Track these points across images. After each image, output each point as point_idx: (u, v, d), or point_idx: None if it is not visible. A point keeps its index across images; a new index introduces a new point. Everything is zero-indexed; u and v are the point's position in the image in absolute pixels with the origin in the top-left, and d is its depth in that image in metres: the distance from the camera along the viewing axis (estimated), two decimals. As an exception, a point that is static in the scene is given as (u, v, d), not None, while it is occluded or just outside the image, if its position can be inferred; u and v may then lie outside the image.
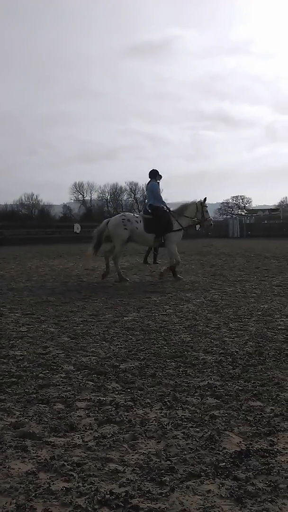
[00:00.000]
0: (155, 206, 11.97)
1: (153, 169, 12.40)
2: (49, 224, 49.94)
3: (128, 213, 12.41)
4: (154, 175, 12.40)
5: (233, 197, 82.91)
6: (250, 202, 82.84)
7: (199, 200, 12.35)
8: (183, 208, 12.38)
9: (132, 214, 12.08)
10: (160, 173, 12.37)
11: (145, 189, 12.34)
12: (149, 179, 12.47)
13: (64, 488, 2.53)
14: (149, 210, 12.01)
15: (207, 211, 12.55)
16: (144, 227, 11.56)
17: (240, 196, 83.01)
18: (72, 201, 76.21)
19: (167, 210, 12.10)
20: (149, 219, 11.72)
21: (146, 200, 12.09)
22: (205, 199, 12.51)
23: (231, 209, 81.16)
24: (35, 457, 2.89)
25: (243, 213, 70.21)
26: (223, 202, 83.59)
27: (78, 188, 76.06)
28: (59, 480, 2.63)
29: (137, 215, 12.02)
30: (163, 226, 11.70)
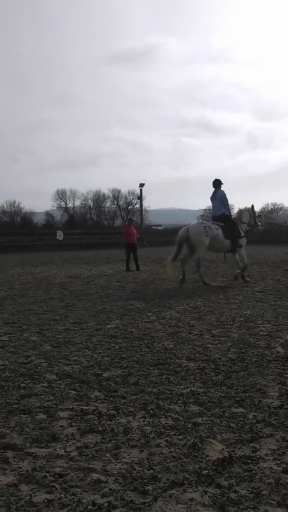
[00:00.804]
0: (227, 215, 12.78)
1: (216, 179, 12.82)
2: (31, 232, 49.58)
3: (204, 221, 12.94)
4: (219, 184, 12.77)
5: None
6: (233, 208, 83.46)
7: (247, 207, 13.43)
8: (240, 215, 13.26)
9: (208, 222, 12.74)
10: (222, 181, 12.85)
11: (210, 199, 12.97)
12: (214, 188, 12.83)
13: (46, 500, 2.50)
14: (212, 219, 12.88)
15: (257, 216, 13.52)
16: (223, 234, 12.24)
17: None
18: (55, 208, 76.04)
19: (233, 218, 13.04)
20: (225, 226, 12.38)
21: (214, 209, 12.91)
22: (252, 205, 13.54)
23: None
24: (17, 469, 2.85)
25: (225, 220, 70.57)
26: (205, 209, 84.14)
27: (61, 195, 75.96)
28: (41, 491, 2.59)
29: (214, 223, 12.48)
30: (236, 232, 12.53)
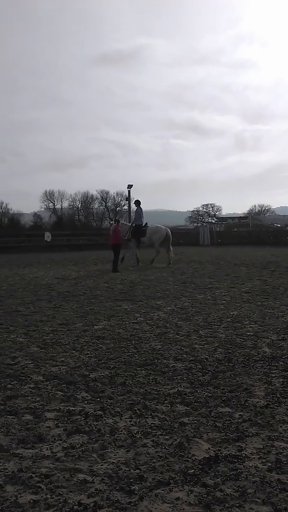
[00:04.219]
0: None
1: (138, 199, 20.53)
2: (19, 233, 49.23)
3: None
4: (139, 203, 20.13)
5: (204, 205, 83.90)
6: (220, 210, 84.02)
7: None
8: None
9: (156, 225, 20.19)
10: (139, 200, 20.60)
11: (139, 213, 19.99)
12: (137, 206, 20.34)
13: (31, 501, 2.50)
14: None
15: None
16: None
17: (210, 204, 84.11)
18: (43, 209, 75.54)
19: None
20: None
21: (141, 219, 19.77)
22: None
23: (201, 217, 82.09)
24: (2, 470, 2.84)
25: (213, 221, 71.11)
26: (193, 210, 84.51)
27: (49, 196, 75.47)
28: (27, 492, 2.59)
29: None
30: None
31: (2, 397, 4.12)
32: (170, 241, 18.87)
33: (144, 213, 20.05)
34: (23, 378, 4.69)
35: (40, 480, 2.71)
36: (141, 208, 20.51)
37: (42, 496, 2.54)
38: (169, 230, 19.30)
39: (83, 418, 3.63)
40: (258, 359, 5.22)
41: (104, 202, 75.66)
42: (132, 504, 2.45)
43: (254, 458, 2.95)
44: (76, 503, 2.45)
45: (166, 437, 3.27)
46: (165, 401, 3.97)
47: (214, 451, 3.03)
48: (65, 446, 3.16)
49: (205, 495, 2.52)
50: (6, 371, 4.94)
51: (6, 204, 69.97)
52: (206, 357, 5.34)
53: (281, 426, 3.41)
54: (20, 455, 3.04)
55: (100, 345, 6.02)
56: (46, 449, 3.12)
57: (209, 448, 3.09)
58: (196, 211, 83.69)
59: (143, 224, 19.48)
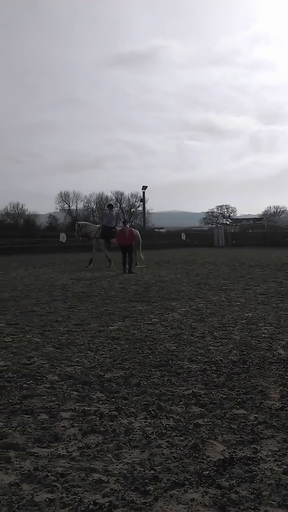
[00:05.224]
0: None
1: (111, 203, 24.02)
2: (34, 234, 49.55)
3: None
4: (112, 207, 23.25)
5: (218, 206, 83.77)
6: (235, 211, 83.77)
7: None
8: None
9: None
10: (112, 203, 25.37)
11: (111, 217, 21.14)
12: (109, 209, 22.59)
13: (47, 499, 2.52)
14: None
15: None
16: None
17: (225, 205, 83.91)
18: (58, 210, 76.18)
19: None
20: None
21: (113, 222, 20.91)
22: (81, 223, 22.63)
23: (216, 218, 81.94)
24: (19, 468, 2.87)
25: (228, 222, 70.94)
26: (208, 212, 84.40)
27: (64, 197, 76.07)
28: (43, 491, 2.61)
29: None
30: None
31: (18, 397, 4.16)
32: (140, 243, 19.94)
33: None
34: (39, 377, 4.73)
35: (56, 479, 2.73)
36: (113, 211, 22.61)
37: (57, 495, 2.56)
38: (138, 232, 20.25)
39: (98, 418, 3.64)
40: (273, 361, 5.19)
41: (119, 204, 75.91)
42: (147, 504, 2.46)
43: (270, 460, 2.93)
44: (92, 503, 2.47)
45: (181, 438, 3.27)
46: (180, 402, 3.97)
47: (229, 453, 3.02)
48: (81, 445, 3.18)
49: (220, 497, 2.52)
50: (22, 370, 4.99)
51: (22, 205, 70.75)
52: (221, 358, 5.33)
53: (296, 429, 3.39)
54: (36, 454, 3.07)
55: (115, 346, 6.04)
56: (62, 449, 3.14)
57: (224, 449, 3.09)
58: (211, 212, 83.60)
59: (113, 227, 20.56)
